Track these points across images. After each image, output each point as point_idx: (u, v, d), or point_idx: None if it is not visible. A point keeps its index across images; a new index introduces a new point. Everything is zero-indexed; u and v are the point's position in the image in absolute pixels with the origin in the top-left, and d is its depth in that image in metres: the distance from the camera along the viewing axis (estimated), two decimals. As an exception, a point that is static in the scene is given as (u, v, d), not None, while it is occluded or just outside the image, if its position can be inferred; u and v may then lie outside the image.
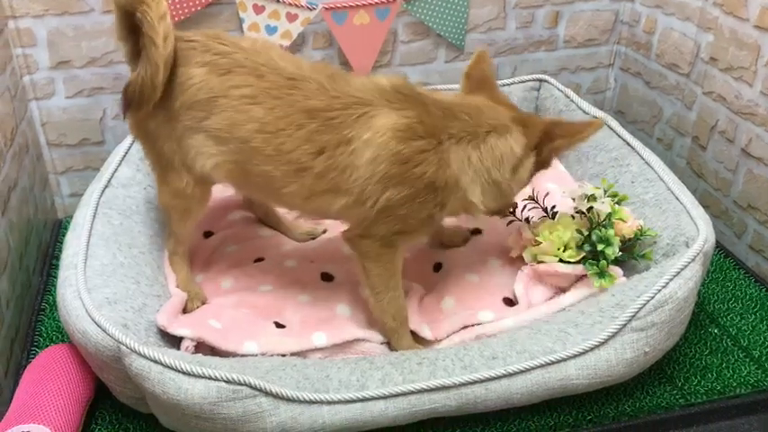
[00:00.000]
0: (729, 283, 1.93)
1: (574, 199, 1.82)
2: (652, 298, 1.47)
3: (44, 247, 2.13)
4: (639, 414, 1.56)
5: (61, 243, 2.15)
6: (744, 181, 2.02)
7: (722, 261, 2.00)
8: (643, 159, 1.93)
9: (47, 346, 1.77)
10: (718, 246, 2.02)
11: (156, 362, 1.33)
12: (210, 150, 1.53)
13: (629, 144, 1.99)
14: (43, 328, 1.83)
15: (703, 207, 1.75)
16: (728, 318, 1.81)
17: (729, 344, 1.73)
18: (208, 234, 1.96)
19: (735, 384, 1.61)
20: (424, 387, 1.40)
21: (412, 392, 1.40)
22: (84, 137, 2.23)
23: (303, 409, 1.36)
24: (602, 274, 1.61)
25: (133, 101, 1.51)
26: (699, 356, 1.69)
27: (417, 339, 1.62)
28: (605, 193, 1.80)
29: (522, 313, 1.63)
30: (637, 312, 1.47)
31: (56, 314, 1.87)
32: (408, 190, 1.43)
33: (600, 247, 1.62)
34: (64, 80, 2.13)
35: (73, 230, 1.69)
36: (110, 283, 1.55)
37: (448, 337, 1.62)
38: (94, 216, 1.71)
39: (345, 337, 1.58)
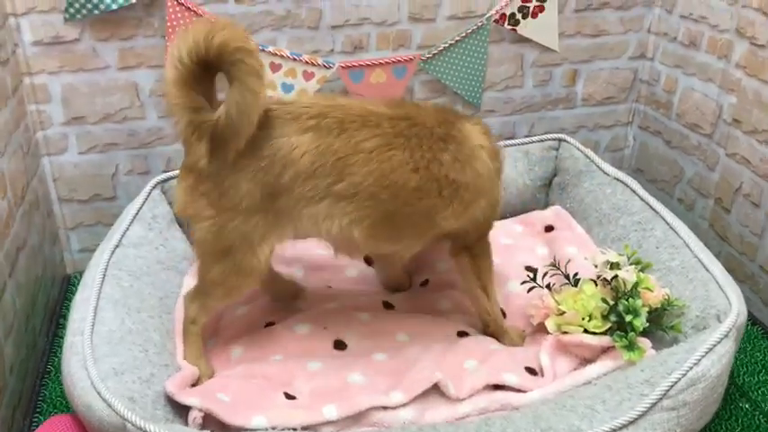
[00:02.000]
0: (758, 354, 1.86)
1: (596, 265, 1.76)
2: (684, 375, 1.41)
3: (51, 305, 2.08)
4: (669, 497, 1.48)
5: (69, 300, 2.12)
6: (771, 246, 1.97)
7: (750, 329, 1.93)
8: (668, 224, 1.88)
9: (50, 412, 1.72)
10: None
11: None
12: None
13: (652, 207, 1.95)
14: (47, 393, 1.78)
15: (728, 271, 1.70)
16: (760, 392, 1.74)
17: (762, 420, 1.66)
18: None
19: (769, 462, 1.54)
20: None
21: None
22: (95, 192, 2.19)
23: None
24: (630, 346, 1.54)
25: (213, 148, 1.47)
26: (729, 432, 1.62)
27: (440, 395, 1.56)
28: (629, 260, 1.74)
29: (548, 386, 1.56)
30: (668, 390, 1.40)
31: (61, 378, 1.81)
32: (499, 178, 1.72)
33: (628, 318, 1.56)
34: (77, 136, 2.11)
35: (81, 292, 1.64)
36: (117, 351, 1.50)
37: (470, 397, 1.55)
38: (104, 278, 1.67)
39: (358, 409, 1.51)
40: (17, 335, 1.72)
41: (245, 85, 1.41)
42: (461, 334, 1.78)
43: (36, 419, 1.70)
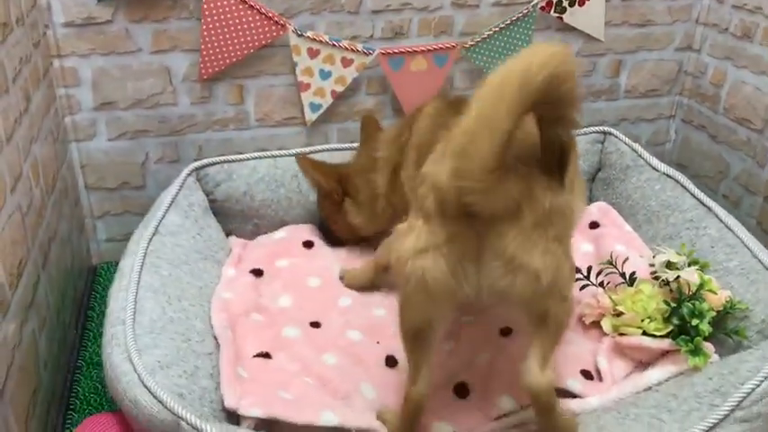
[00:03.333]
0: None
1: (652, 264, 1.69)
2: (758, 386, 1.34)
3: (79, 297, 2.01)
4: None
5: (96, 291, 2.06)
6: (826, 247, 1.89)
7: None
8: (722, 222, 1.81)
9: (83, 408, 1.66)
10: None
11: None
12: None
13: (704, 204, 1.88)
14: (79, 389, 1.71)
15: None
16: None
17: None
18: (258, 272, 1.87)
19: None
20: None
21: None
22: (124, 180, 2.12)
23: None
24: (696, 351, 1.48)
25: None
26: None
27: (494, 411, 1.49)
28: (687, 260, 1.67)
29: (607, 392, 1.50)
30: (741, 401, 1.33)
31: (93, 373, 1.75)
32: None
33: (694, 322, 1.49)
34: (107, 122, 2.03)
35: (119, 280, 1.57)
36: (160, 342, 1.43)
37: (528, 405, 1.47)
38: (142, 266, 1.60)
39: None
40: (50, 329, 1.65)
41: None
42: (505, 331, 1.70)
43: (70, 417, 1.63)
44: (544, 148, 1.17)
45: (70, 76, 1.96)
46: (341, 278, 1.88)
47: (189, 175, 1.93)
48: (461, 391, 1.53)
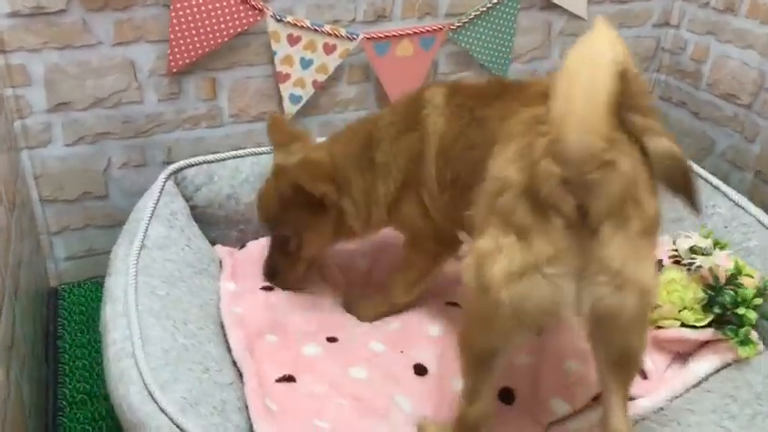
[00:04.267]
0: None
1: (675, 250, 1.63)
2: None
3: (44, 326, 1.78)
4: None
5: (62, 317, 1.82)
6: (825, 219, 1.89)
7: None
8: (732, 201, 1.77)
9: (73, 457, 1.45)
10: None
11: None
12: None
13: (711, 184, 1.83)
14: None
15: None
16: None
17: None
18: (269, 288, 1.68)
19: None
20: None
21: None
22: (84, 190, 1.89)
23: None
24: (746, 341, 1.42)
25: None
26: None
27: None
28: (713, 243, 1.62)
29: (657, 392, 1.42)
30: (809, 396, 1.28)
31: (78, 414, 1.55)
32: None
33: (740, 310, 1.44)
34: (63, 125, 1.80)
35: (113, 305, 1.37)
36: (179, 375, 1.25)
37: (579, 412, 1.39)
38: (136, 286, 1.40)
39: None
40: (29, 369, 1.43)
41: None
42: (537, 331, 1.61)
43: (60, 467, 1.43)
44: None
45: (18, 74, 1.71)
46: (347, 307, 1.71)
47: (167, 179, 1.72)
48: (506, 396, 1.43)
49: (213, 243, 1.81)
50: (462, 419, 1.25)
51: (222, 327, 1.51)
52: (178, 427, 1.12)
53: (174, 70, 1.80)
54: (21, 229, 1.60)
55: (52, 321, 1.82)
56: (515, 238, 1.05)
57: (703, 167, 2.23)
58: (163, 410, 1.14)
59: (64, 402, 1.56)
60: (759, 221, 1.69)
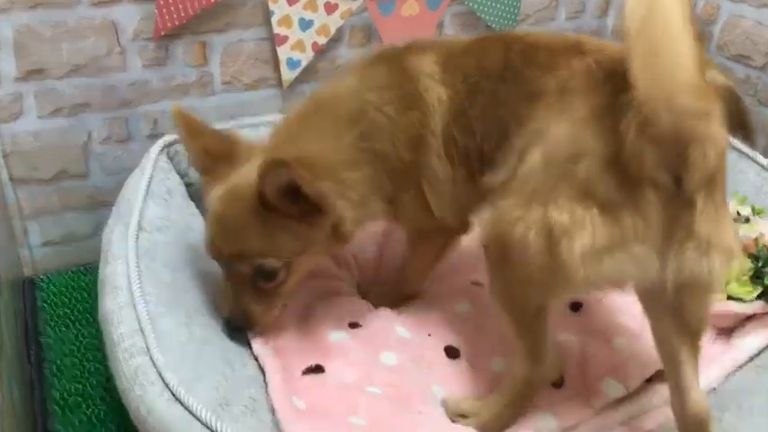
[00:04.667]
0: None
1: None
2: None
3: (22, 322, 1.59)
4: None
5: (43, 311, 1.64)
6: None
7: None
8: (760, 166, 1.69)
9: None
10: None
11: None
12: None
13: (737, 149, 1.75)
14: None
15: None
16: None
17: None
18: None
19: None
20: None
21: None
22: (61, 168, 1.69)
23: None
24: (800, 314, 1.34)
25: None
26: None
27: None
28: (753, 212, 1.54)
29: (707, 370, 1.31)
30: None
31: (71, 418, 1.37)
32: None
33: (791, 280, 1.35)
34: (36, 95, 1.60)
35: (113, 296, 1.20)
36: (202, 372, 1.11)
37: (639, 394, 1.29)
38: (140, 273, 1.23)
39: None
40: (16, 370, 1.25)
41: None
42: (575, 306, 1.49)
43: (58, 480, 1.26)
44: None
45: (-16, 37, 1.51)
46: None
47: (160, 153, 1.55)
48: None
49: (210, 223, 1.65)
50: (526, 382, 1.18)
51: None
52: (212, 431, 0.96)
53: (162, 32, 1.62)
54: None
55: (30, 315, 1.63)
56: (597, 211, 0.97)
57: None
58: (193, 414, 0.99)
59: (54, 406, 1.38)
60: (791, 185, 1.61)
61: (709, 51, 2.14)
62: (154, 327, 1.14)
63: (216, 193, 1.22)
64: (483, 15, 1.94)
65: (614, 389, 1.29)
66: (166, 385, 1.04)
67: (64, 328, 1.59)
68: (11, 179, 1.66)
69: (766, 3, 1.96)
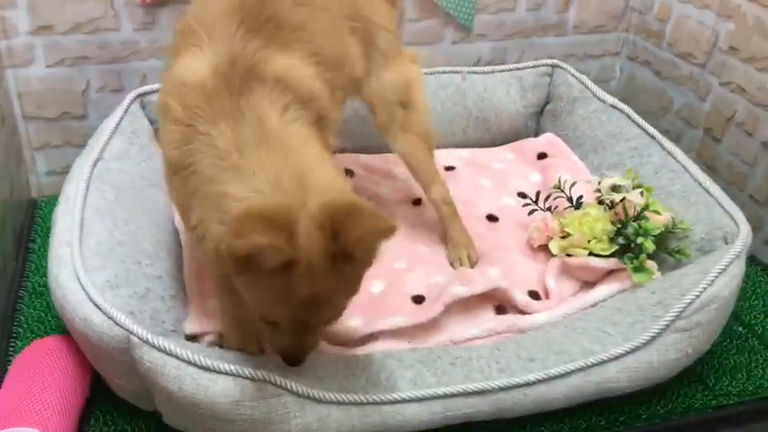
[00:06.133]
0: (748, 281, 1.87)
1: (599, 189, 1.73)
2: (698, 297, 1.39)
3: (18, 228, 1.95)
4: (672, 416, 1.48)
5: (38, 225, 1.99)
6: (762, 174, 1.97)
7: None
8: (665, 150, 1.86)
9: (27, 336, 1.61)
10: (735, 241, 1.97)
11: (172, 355, 1.19)
12: None
13: (649, 134, 1.92)
14: (23, 318, 1.66)
15: (715, 200, 1.68)
16: (752, 315, 1.74)
17: (756, 343, 1.66)
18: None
19: (766, 384, 1.55)
20: (461, 390, 1.29)
21: (447, 396, 1.29)
22: (64, 110, 2.05)
23: (331, 410, 1.24)
24: (640, 268, 1.52)
25: None
26: (726, 356, 1.62)
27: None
28: (632, 184, 1.72)
29: (556, 308, 1.54)
30: (682, 312, 1.39)
31: (35, 302, 1.71)
32: None
33: (639, 240, 1.54)
34: (44, 47, 1.95)
35: (64, 204, 1.52)
36: (108, 263, 1.40)
37: (477, 319, 1.53)
38: (87, 189, 1.55)
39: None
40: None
41: None
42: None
43: (13, 345, 1.59)
44: None
45: (4, -4, 1.87)
46: None
47: (132, 101, 1.87)
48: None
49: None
50: None
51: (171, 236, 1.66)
52: (93, 302, 1.26)
53: (149, 0, 1.94)
54: (-4, 136, 1.76)
55: (27, 228, 1.99)
56: None
57: (661, 126, 2.33)
58: (84, 288, 1.28)
59: (24, 292, 1.73)
60: (685, 168, 1.78)
61: (662, 48, 2.30)
62: (83, 228, 1.43)
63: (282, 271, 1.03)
64: (441, 3, 2.17)
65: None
66: (74, 269, 1.33)
67: (47, 237, 1.92)
68: (23, 115, 2.03)
69: (708, 4, 2.11)
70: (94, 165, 1.64)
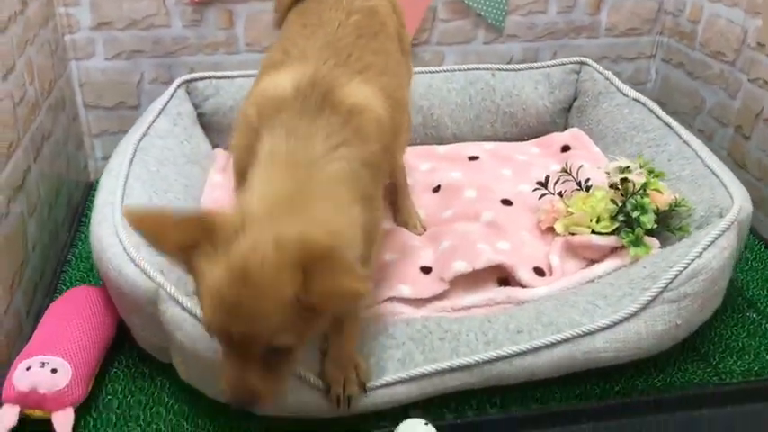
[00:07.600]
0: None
1: (608, 173, 1.77)
2: (685, 268, 1.42)
3: (74, 205, 2.14)
4: (670, 388, 1.49)
5: (92, 203, 2.16)
6: (789, 170, 1.96)
7: (763, 251, 1.93)
8: (681, 139, 1.89)
9: (70, 294, 1.78)
10: (758, 236, 1.95)
11: (192, 314, 1.31)
12: None
13: (667, 125, 1.95)
14: (67, 278, 1.83)
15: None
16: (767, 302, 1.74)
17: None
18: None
19: (774, 365, 1.54)
20: (447, 367, 1.35)
21: (434, 373, 1.35)
22: (120, 100, 2.24)
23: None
24: (637, 242, 1.56)
25: None
26: (736, 338, 1.62)
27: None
28: (641, 167, 1.75)
29: (555, 282, 1.58)
30: (669, 283, 1.41)
31: (81, 265, 1.87)
32: None
33: (635, 214, 1.57)
34: (104, 41, 2.16)
35: (108, 173, 1.67)
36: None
37: (476, 289, 1.60)
38: (132, 160, 1.70)
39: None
40: (39, 218, 1.77)
41: None
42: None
43: (55, 298, 1.75)
44: None
45: (70, -6, 2.09)
46: None
47: (179, 87, 2.04)
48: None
49: (216, 147, 2.11)
50: None
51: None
52: (128, 255, 1.38)
53: (197, 0, 2.12)
54: (54, 118, 1.96)
55: (82, 206, 2.17)
56: None
57: (695, 125, 2.34)
58: (121, 243, 1.41)
59: (72, 258, 1.90)
60: (697, 155, 1.80)
61: (694, 49, 2.32)
62: (125, 191, 1.58)
63: (217, 273, 1.04)
64: (472, 4, 2.26)
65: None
66: (114, 225, 1.47)
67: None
68: (84, 104, 2.23)
69: (736, 2, 2.13)
70: (141, 139, 1.80)
